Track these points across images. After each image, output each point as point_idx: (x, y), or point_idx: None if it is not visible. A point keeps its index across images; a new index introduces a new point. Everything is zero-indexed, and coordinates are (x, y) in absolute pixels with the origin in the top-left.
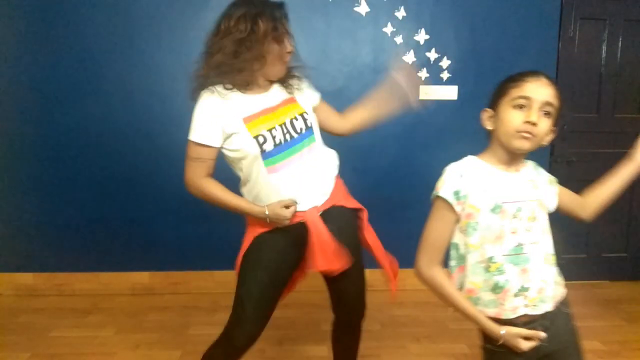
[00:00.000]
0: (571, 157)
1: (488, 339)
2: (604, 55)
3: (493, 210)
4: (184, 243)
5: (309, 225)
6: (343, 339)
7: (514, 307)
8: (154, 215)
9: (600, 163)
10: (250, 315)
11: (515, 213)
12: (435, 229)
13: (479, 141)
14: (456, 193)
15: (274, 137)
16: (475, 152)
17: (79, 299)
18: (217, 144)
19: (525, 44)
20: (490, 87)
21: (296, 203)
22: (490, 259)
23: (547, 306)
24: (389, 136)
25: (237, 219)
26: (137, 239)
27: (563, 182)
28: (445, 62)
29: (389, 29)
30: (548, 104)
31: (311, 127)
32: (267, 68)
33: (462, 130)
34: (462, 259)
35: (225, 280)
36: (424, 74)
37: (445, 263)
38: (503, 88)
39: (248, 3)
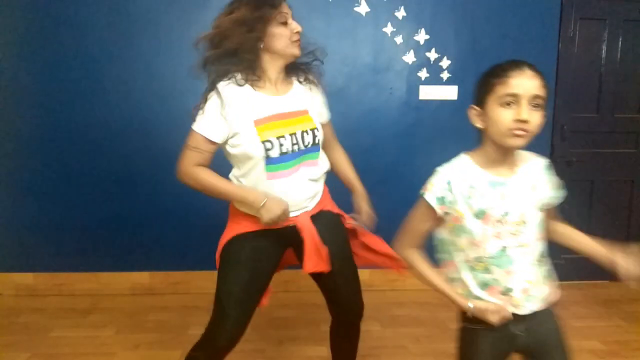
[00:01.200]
0: (571, 157)
1: (465, 318)
2: (604, 55)
3: (476, 215)
4: (184, 243)
5: (302, 229)
6: (340, 340)
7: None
8: (154, 215)
9: (600, 163)
10: (231, 315)
11: (501, 218)
12: (414, 222)
13: (478, 141)
14: (440, 199)
15: (281, 145)
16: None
17: (79, 299)
18: (219, 140)
19: (525, 44)
20: None
21: (288, 212)
22: (476, 259)
23: (534, 306)
24: (389, 136)
25: None
26: (137, 239)
27: (563, 182)
28: (445, 62)
29: (389, 29)
30: (536, 97)
31: (318, 144)
32: (279, 50)
33: (462, 130)
34: (450, 254)
35: None
36: (424, 74)
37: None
38: (487, 84)
39: None
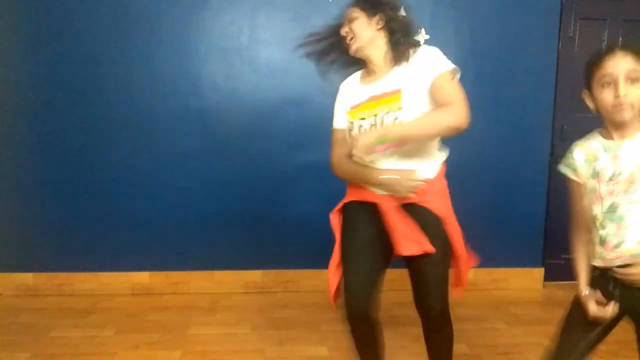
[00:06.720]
0: None
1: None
2: None
3: (592, 175)
4: (184, 243)
5: (386, 213)
6: (426, 340)
7: (614, 258)
8: (154, 215)
9: None
10: (350, 285)
11: (612, 177)
12: (572, 201)
13: (479, 140)
14: (570, 167)
15: (360, 126)
16: (475, 150)
17: (79, 299)
18: (345, 126)
19: (525, 44)
20: (490, 87)
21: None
22: (595, 217)
23: None
24: None
25: (237, 220)
26: (137, 239)
27: (563, 182)
28: None
29: None
30: (632, 70)
31: None
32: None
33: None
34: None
35: (225, 280)
36: None
37: None
38: (588, 71)
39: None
